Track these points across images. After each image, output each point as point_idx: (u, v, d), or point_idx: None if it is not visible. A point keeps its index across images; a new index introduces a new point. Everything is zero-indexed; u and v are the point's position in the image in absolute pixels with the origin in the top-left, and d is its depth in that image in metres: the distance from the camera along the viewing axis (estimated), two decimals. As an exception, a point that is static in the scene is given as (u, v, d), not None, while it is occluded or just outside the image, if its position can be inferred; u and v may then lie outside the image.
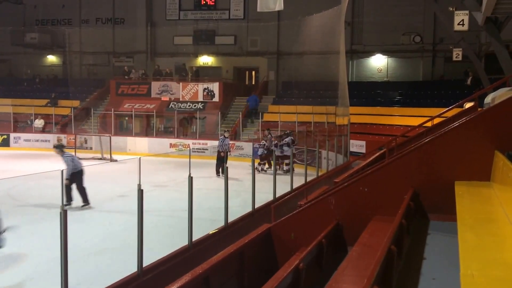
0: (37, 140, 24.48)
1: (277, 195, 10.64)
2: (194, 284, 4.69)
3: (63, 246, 4.47)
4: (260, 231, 6.89)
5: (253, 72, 29.52)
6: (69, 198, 10.98)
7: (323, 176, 13.11)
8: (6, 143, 24.20)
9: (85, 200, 11.11)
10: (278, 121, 22.12)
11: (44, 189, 11.89)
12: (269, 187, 11.95)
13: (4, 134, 24.40)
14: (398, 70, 25.80)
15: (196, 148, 21.01)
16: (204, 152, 20.76)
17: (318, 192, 9.72)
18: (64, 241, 4.47)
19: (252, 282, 5.76)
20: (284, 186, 11.18)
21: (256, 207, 9.40)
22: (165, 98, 26.33)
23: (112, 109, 24.82)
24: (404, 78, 25.17)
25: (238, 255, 5.81)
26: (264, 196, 10.44)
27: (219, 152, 16.55)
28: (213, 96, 25.72)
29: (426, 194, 6.68)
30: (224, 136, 17.22)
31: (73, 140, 22.99)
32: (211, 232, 8.04)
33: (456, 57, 19.42)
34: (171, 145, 22.92)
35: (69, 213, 4.59)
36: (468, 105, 12.02)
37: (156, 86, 26.64)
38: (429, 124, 11.46)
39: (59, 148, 11.89)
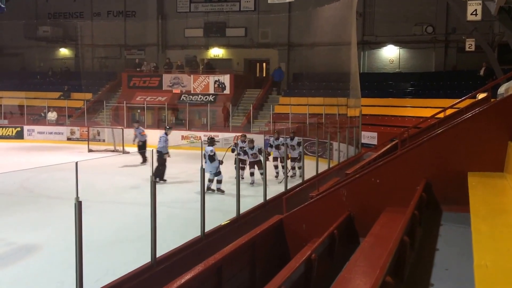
0: (51, 133, 24.74)
1: (289, 187, 10.67)
2: (207, 274, 4.73)
3: (78, 237, 4.54)
4: (272, 222, 6.92)
5: (264, 64, 29.44)
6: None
7: (335, 168, 13.09)
8: (20, 136, 24.49)
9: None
10: (289, 113, 22.08)
11: (58, 181, 12.04)
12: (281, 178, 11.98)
13: (18, 127, 24.70)
14: (410, 61, 25.55)
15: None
16: (216, 144, 20.78)
17: (330, 183, 9.73)
18: (79, 232, 4.54)
19: (264, 273, 5.80)
20: (295, 177, 11.19)
21: (267, 198, 9.43)
22: (176, 90, 26.42)
23: (124, 102, 25.01)
24: (416, 69, 24.92)
25: (250, 245, 5.85)
26: (274, 188, 10.47)
27: (161, 153, 13.66)
28: (224, 88, 25.75)
29: (438, 186, 6.65)
30: (166, 134, 14.40)
31: (86, 132, 23.24)
32: (223, 223, 8.10)
33: (469, 48, 19.20)
34: (183, 137, 23.03)
35: (83, 204, 4.65)
36: (481, 96, 11.90)
37: (167, 78, 26.73)
38: (441, 115, 11.38)
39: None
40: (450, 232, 5.57)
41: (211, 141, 13.12)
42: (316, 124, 19.39)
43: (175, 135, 23.05)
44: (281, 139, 14.49)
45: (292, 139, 14.57)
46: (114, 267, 6.16)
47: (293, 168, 14.29)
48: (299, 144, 14.28)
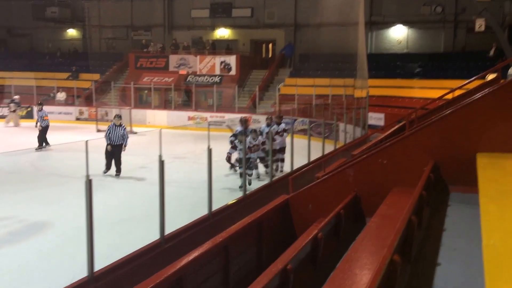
0: (60, 113, 24.87)
1: (294, 167, 10.68)
2: (215, 251, 4.78)
3: (88, 214, 4.59)
4: (278, 202, 6.94)
5: (270, 45, 29.21)
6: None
7: (341, 149, 13.07)
8: (30, 115, 24.61)
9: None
10: (295, 94, 21.98)
11: (68, 160, 12.19)
12: (286, 159, 12.00)
13: (28, 107, 24.84)
14: (418, 42, 25.24)
15: (214, 121, 21.07)
16: (221, 125, 20.83)
17: (336, 164, 9.72)
18: (89, 210, 4.59)
19: (271, 251, 5.84)
20: (301, 159, 11.19)
21: (273, 179, 9.46)
22: (182, 71, 26.35)
23: (132, 83, 25.05)
24: (424, 49, 24.64)
25: (256, 224, 5.88)
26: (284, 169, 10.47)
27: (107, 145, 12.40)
28: (230, 69, 25.63)
29: (447, 167, 6.62)
30: (115, 124, 12.64)
31: (94, 112, 23.39)
32: (229, 203, 8.15)
33: (478, 28, 18.91)
34: (189, 118, 23.08)
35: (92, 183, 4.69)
36: (490, 76, 11.76)
37: (173, 59, 26.65)
38: (449, 96, 11.26)
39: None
40: (458, 213, 5.56)
41: (244, 122, 12.02)
42: (322, 105, 19.30)
43: (182, 117, 23.13)
44: (275, 126, 12.52)
45: (278, 124, 12.59)
46: (124, 244, 6.25)
47: (276, 160, 12.04)
48: (285, 131, 12.31)
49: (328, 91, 20.86)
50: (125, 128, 12.72)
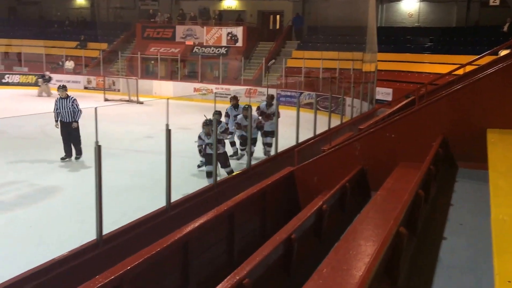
0: (68, 81, 24.75)
1: (300, 140, 10.61)
2: (220, 219, 4.79)
3: (97, 179, 4.61)
4: (283, 174, 6.93)
5: (278, 16, 28.73)
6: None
7: (347, 123, 12.98)
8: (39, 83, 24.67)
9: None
10: (302, 67, 21.73)
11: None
12: (291, 132, 11.93)
13: (37, 75, 24.85)
14: (430, 15, 24.70)
15: (219, 93, 20.93)
16: (227, 97, 20.70)
17: (342, 138, 9.65)
18: (98, 176, 4.60)
19: (275, 221, 5.86)
20: (307, 132, 11.12)
21: (278, 151, 9.41)
22: (189, 42, 26.08)
23: (139, 53, 24.92)
24: (436, 23, 24.12)
25: (261, 195, 5.89)
26: (286, 142, 10.44)
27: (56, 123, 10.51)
28: (237, 40, 25.30)
29: (456, 142, 6.54)
30: (61, 98, 10.51)
31: (102, 82, 23.39)
32: (234, 174, 8.15)
33: (493, 2, 18.45)
34: (195, 90, 22.96)
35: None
36: (503, 52, 11.52)
37: (180, 30, 26.36)
38: (460, 71, 11.06)
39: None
40: (465, 188, 5.52)
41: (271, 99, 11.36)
42: (329, 79, 19.09)
43: (188, 88, 23.00)
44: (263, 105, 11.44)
45: (269, 105, 11.35)
46: (131, 210, 6.32)
47: (266, 144, 11.05)
48: (274, 114, 10.39)
49: (335, 65, 20.59)
50: (74, 100, 10.48)
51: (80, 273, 4.07)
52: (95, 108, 4.59)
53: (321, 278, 3.11)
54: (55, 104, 10.51)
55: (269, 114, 11.14)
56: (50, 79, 23.34)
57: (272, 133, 10.33)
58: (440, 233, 4.32)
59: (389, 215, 4.02)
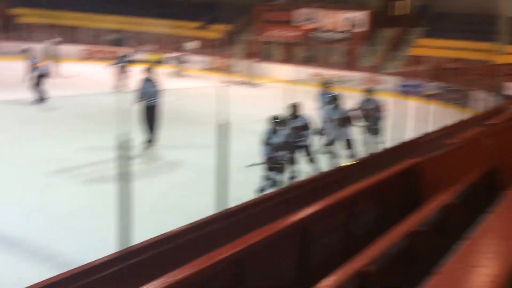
0: (189, 62, 26.30)
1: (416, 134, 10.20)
2: (337, 208, 4.86)
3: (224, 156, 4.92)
4: (402, 166, 6.74)
5: (401, 2, 27.38)
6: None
7: (476, 118, 12.17)
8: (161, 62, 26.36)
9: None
10: (427, 56, 20.59)
11: (197, 106, 13.06)
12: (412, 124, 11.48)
13: (160, 54, 26.61)
14: None
15: (336, 80, 20.70)
16: (345, 83, 20.42)
17: (468, 133, 9.07)
18: (226, 151, 4.91)
19: (395, 213, 5.76)
20: (422, 125, 10.70)
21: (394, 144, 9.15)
22: (308, 26, 26.05)
23: (258, 36, 25.47)
24: None
25: (379, 185, 5.81)
26: (408, 134, 10.09)
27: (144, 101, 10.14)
28: (358, 25, 24.70)
29: None
30: (148, 79, 10.25)
31: (222, 63, 24.40)
32: (345, 164, 8.13)
33: None
34: (311, 75, 22.96)
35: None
36: None
37: (299, 14, 26.40)
38: None
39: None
40: None
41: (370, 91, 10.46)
42: (454, 70, 17.95)
43: (304, 73, 23.03)
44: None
45: (295, 117, 8.31)
46: (253, 189, 6.61)
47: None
48: (305, 127, 8.30)
49: (462, 55, 19.25)
50: (155, 84, 10.26)
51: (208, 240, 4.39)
52: (216, 87, 4.85)
53: (447, 273, 3.03)
54: (141, 85, 10.17)
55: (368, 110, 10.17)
56: (185, 61, 24.66)
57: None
58: None
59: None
